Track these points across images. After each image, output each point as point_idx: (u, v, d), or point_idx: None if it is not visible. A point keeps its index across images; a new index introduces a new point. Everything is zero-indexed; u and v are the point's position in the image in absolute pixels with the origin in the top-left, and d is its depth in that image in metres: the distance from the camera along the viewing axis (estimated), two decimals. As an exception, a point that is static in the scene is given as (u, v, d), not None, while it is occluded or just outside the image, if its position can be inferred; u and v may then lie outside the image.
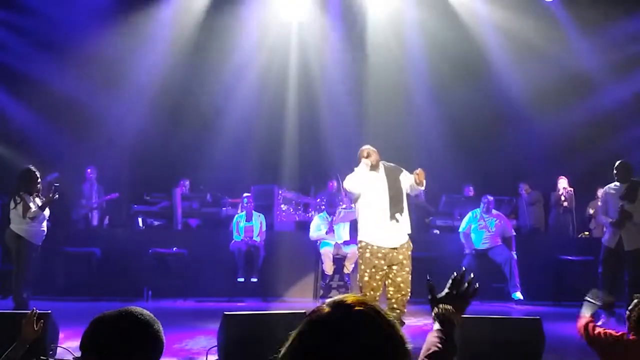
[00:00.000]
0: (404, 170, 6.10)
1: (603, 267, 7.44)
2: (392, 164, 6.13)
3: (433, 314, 1.95)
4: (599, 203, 7.98)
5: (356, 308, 1.42)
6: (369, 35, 12.26)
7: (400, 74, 12.34)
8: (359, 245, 5.96)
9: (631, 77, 11.88)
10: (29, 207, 6.74)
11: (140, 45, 11.43)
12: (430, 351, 1.79)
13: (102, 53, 10.97)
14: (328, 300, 1.46)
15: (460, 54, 12.09)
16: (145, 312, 1.93)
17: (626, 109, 11.94)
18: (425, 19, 12.01)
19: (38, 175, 7.01)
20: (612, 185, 7.49)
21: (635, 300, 3.62)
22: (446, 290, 1.99)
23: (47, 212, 6.97)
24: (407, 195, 6.07)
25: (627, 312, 3.66)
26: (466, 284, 1.96)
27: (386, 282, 5.85)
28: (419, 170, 5.83)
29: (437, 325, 1.87)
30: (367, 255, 5.81)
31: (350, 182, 5.98)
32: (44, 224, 6.98)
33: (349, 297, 1.45)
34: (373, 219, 5.85)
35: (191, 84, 11.73)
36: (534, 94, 12.11)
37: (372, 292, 5.73)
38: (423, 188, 6.01)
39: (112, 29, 10.90)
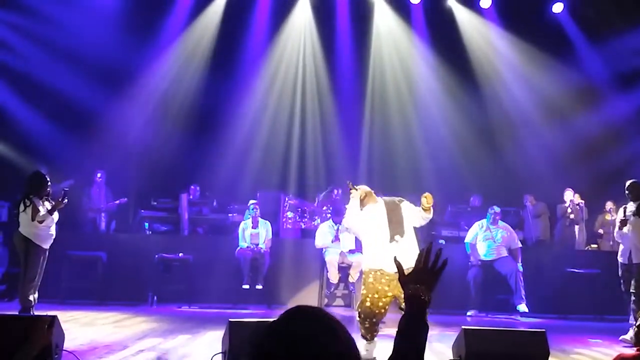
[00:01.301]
0: (405, 200, 5.87)
1: (624, 286, 7.52)
2: (391, 198, 5.93)
3: (404, 295, 1.90)
4: (611, 217, 8.01)
5: (300, 311, 1.46)
6: (376, 45, 12.36)
7: (407, 84, 12.41)
8: (363, 273, 5.72)
9: (637, 89, 11.88)
10: (38, 211, 6.75)
11: (152, 53, 11.54)
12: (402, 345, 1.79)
13: (114, 60, 11.04)
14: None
15: (467, 66, 12.15)
16: None
17: (631, 121, 11.94)
18: (431, 32, 12.11)
19: (48, 179, 7.02)
20: (627, 207, 7.56)
21: None
22: (414, 265, 1.93)
23: (56, 216, 6.99)
24: (412, 224, 5.75)
25: (636, 328, 3.61)
26: (434, 258, 1.92)
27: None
28: (427, 194, 5.58)
29: (408, 308, 1.85)
30: (370, 280, 5.47)
31: (349, 221, 5.86)
32: (53, 227, 7.01)
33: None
34: (373, 245, 5.63)
35: (200, 91, 11.82)
36: (540, 105, 12.15)
37: (374, 320, 5.39)
38: (430, 216, 5.68)
39: (124, 36, 10.98)
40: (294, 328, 1.43)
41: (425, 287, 1.88)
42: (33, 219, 6.70)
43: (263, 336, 1.43)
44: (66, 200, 6.93)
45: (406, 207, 5.76)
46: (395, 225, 5.59)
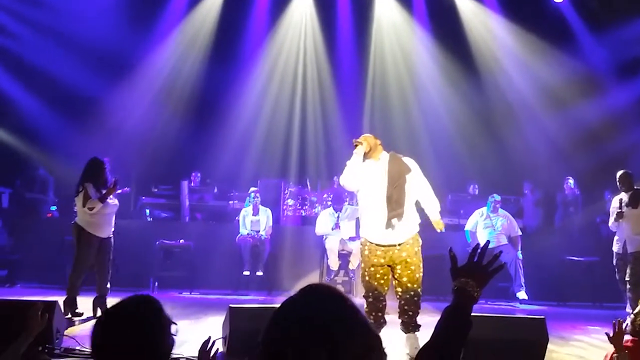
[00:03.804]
0: (413, 170, 5.36)
1: (618, 274, 7.60)
2: (403, 158, 5.40)
3: (453, 286, 1.83)
4: (610, 209, 8.03)
5: (309, 288, 1.53)
6: (377, 34, 12.33)
7: (408, 72, 12.39)
8: (360, 240, 5.51)
9: (638, 78, 11.85)
10: (90, 197, 6.61)
11: (153, 40, 11.52)
12: (441, 334, 1.77)
13: (115, 47, 11.01)
14: None
15: (468, 54, 12.12)
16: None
17: (632, 109, 11.92)
18: (432, 19, 12.07)
19: (105, 166, 6.88)
20: (619, 197, 7.60)
21: None
22: (468, 258, 1.86)
23: (116, 203, 6.88)
24: (414, 198, 5.38)
25: (632, 317, 3.62)
26: (491, 258, 1.85)
27: (394, 283, 5.34)
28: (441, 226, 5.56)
29: (455, 300, 1.80)
30: (366, 252, 5.33)
31: (344, 178, 5.40)
32: (113, 218, 6.86)
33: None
34: (370, 215, 5.30)
35: (201, 78, 11.81)
36: (540, 94, 12.13)
37: (375, 292, 5.28)
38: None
39: (125, 23, 10.95)
40: (310, 299, 1.50)
41: (476, 283, 1.81)
42: (83, 205, 6.61)
43: (281, 308, 1.46)
44: (118, 189, 6.84)
45: (413, 177, 5.32)
46: (395, 204, 5.17)
